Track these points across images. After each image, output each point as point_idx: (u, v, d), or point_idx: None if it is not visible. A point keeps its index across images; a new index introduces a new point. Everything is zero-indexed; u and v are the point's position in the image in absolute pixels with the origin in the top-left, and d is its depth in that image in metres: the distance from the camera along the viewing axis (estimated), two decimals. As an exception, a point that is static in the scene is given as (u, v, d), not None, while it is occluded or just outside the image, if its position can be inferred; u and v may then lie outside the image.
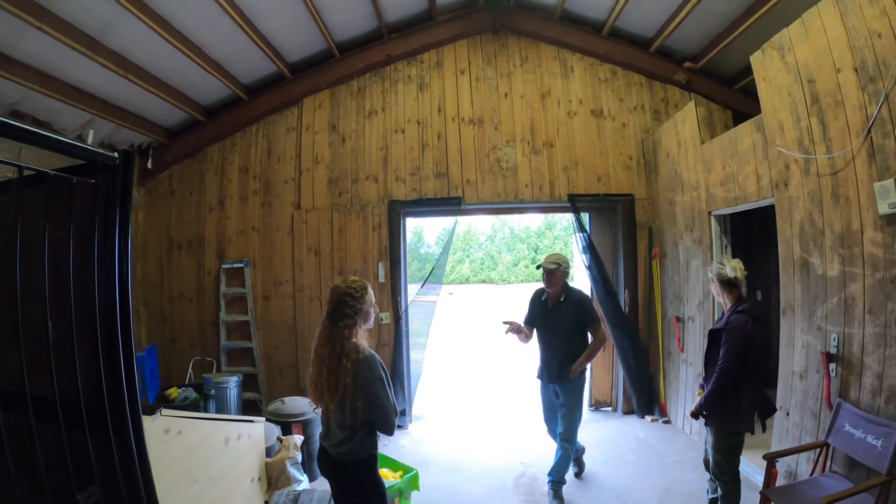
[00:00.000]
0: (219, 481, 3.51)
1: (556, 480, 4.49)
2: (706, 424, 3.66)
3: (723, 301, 3.67)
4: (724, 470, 3.55)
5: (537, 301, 4.64)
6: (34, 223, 1.75)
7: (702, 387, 3.77)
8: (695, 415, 3.62)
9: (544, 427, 4.83)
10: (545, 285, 4.52)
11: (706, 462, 3.76)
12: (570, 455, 4.49)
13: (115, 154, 1.95)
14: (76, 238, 1.84)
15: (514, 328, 4.55)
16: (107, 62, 4.80)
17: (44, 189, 1.73)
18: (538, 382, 4.72)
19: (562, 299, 4.46)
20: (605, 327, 6.56)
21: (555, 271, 4.38)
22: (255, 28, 5.51)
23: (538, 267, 4.59)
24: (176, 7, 4.75)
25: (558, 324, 4.45)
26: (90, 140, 5.39)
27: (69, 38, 4.30)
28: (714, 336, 3.62)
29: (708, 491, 3.90)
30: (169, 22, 4.86)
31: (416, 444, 5.97)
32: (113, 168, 1.95)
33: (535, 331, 4.63)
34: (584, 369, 4.50)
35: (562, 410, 4.48)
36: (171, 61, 5.36)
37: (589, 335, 4.55)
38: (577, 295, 4.54)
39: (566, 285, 4.50)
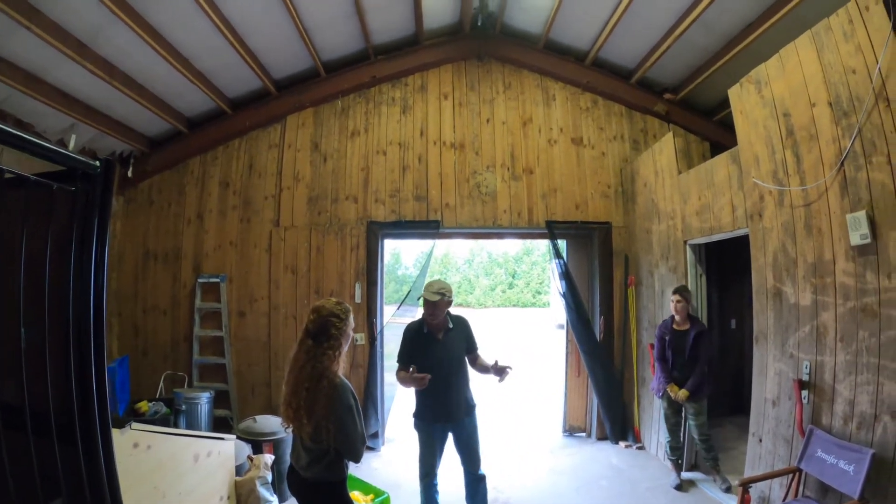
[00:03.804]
0: (187, 498, 3.44)
1: None
2: (691, 402, 4.98)
3: (683, 317, 5.08)
4: (707, 426, 5.09)
5: (418, 335, 4.12)
6: (10, 227, 1.73)
7: (674, 378, 5.10)
8: (687, 396, 4.94)
9: (457, 469, 4.29)
10: (427, 318, 4.06)
11: (673, 430, 5.26)
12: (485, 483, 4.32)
13: (97, 163, 1.94)
14: (53, 244, 1.82)
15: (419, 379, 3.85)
16: (94, 67, 4.78)
17: (22, 194, 1.72)
18: (416, 426, 4.20)
19: (450, 327, 4.12)
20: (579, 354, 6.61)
21: (438, 303, 3.96)
22: (244, 43, 5.54)
23: (418, 298, 4.24)
24: (167, 18, 4.77)
25: (451, 354, 4.07)
26: (72, 145, 5.35)
27: (58, 40, 4.28)
28: (690, 339, 5.00)
29: (667, 455, 5.36)
30: (159, 32, 4.87)
31: (389, 466, 5.90)
32: (94, 177, 1.94)
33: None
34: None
35: (470, 446, 4.18)
36: (157, 71, 5.35)
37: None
38: (461, 319, 4.24)
39: (448, 313, 4.14)
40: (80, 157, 1.90)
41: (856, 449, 3.14)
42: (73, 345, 1.87)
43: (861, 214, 3.11)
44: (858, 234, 3.14)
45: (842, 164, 3.28)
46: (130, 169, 6.64)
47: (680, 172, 5.51)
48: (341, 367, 2.79)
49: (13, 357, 1.70)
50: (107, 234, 1.98)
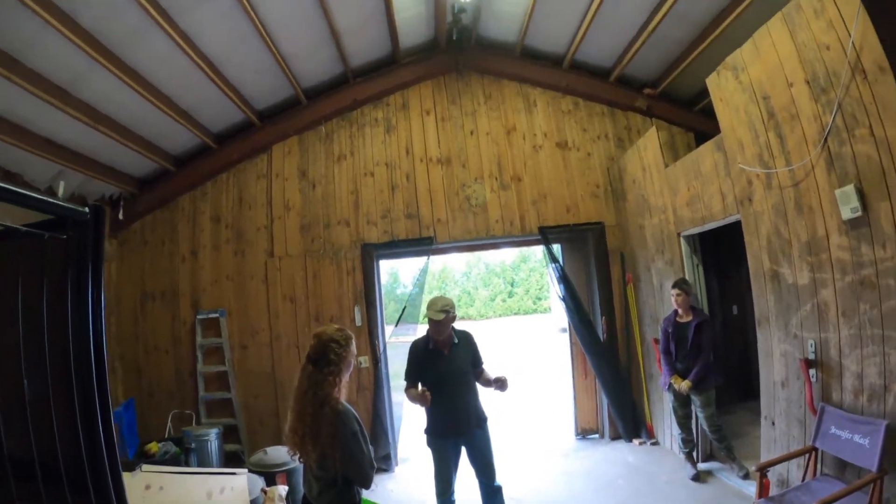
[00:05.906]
0: (204, 537, 3.41)
1: None
2: (697, 393, 4.96)
3: (685, 310, 5.06)
4: (717, 416, 5.05)
5: (424, 352, 4.15)
6: (4, 279, 1.73)
7: (677, 370, 5.10)
8: (690, 387, 4.91)
9: (474, 482, 4.25)
10: (433, 335, 4.09)
11: (683, 423, 5.23)
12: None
13: (86, 209, 1.94)
14: (49, 293, 1.82)
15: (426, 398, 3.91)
16: (77, 113, 4.78)
17: (14, 245, 1.72)
18: (429, 442, 4.18)
19: (455, 341, 4.13)
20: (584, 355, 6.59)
21: (444, 320, 3.98)
22: (224, 77, 5.57)
23: (424, 318, 4.22)
24: (146, 59, 4.79)
25: (458, 368, 4.09)
26: (61, 192, 5.35)
27: (40, 89, 4.28)
28: (691, 329, 4.99)
29: (680, 448, 5.35)
30: (139, 73, 4.89)
31: (404, 486, 5.85)
32: (84, 223, 1.94)
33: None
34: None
35: (484, 457, 4.17)
36: (140, 112, 5.37)
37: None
38: (466, 334, 4.27)
39: (453, 328, 4.15)
40: (69, 205, 1.91)
41: (869, 422, 3.14)
42: (77, 392, 1.86)
43: (850, 188, 3.13)
44: (849, 207, 3.15)
45: (825, 140, 3.30)
46: (121, 211, 6.64)
47: (667, 165, 5.54)
48: (343, 394, 2.78)
49: (18, 410, 1.69)
50: (101, 278, 1.98)
